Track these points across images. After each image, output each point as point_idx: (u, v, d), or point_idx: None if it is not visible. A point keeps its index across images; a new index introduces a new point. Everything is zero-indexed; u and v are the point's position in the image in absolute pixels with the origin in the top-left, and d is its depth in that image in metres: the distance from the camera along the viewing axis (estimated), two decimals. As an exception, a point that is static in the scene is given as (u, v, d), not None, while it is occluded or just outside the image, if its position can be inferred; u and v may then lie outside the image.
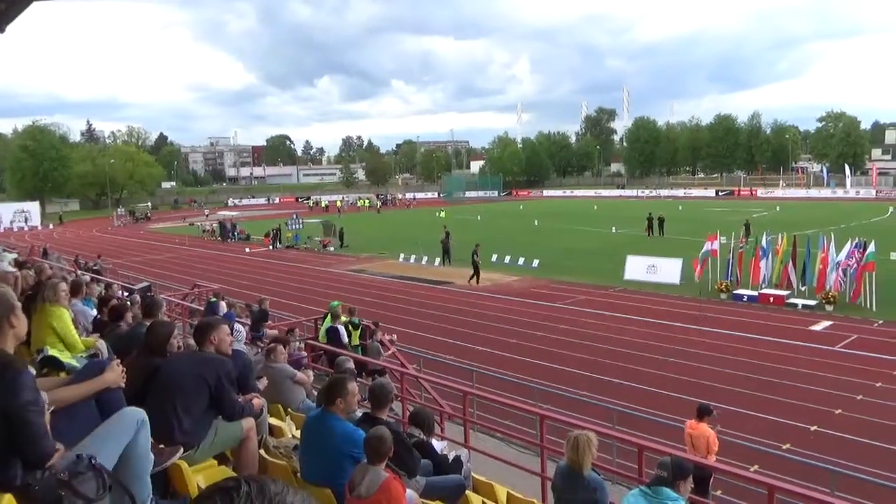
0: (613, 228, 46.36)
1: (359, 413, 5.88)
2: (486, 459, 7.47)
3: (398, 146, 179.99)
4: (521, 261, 31.23)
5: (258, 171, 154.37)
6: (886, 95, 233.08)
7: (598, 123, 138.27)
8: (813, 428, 11.78)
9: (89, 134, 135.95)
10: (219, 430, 4.59)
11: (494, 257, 32.35)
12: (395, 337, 14.33)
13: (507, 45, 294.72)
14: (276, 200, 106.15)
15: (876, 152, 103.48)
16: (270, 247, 43.97)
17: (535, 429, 8.47)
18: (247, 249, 43.50)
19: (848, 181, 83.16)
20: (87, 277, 13.50)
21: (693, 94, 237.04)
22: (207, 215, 70.60)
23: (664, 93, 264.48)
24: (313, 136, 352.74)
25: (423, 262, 33.25)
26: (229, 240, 49.80)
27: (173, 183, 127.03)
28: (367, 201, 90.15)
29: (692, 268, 24.58)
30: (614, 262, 29.08)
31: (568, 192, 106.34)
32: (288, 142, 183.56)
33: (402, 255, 35.11)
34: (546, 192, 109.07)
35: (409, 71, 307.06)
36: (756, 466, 9.53)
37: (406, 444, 5.09)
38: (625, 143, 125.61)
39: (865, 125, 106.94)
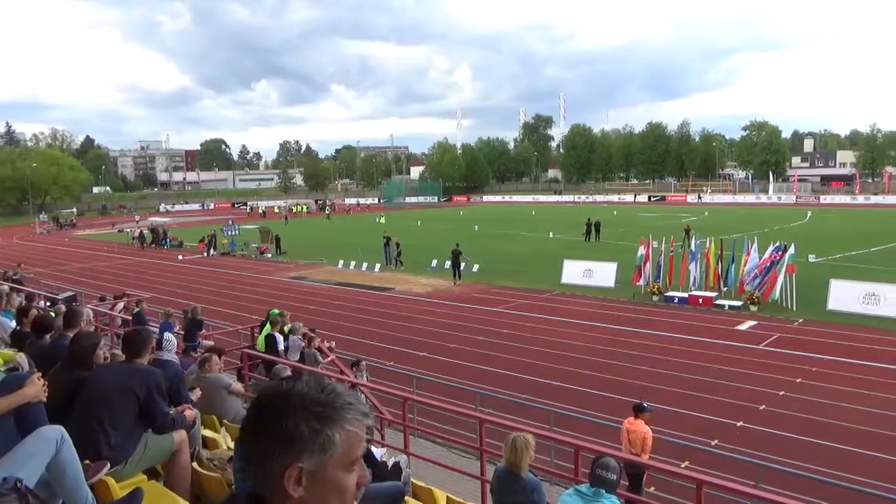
0: (551, 233, 47.23)
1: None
2: (426, 465, 7.49)
3: (338, 151, 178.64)
4: (461, 266, 31.39)
5: (192, 175, 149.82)
6: (805, 106, 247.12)
7: (536, 130, 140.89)
8: (739, 423, 12.28)
9: (8, 136, 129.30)
10: (149, 443, 4.45)
11: (434, 262, 32.48)
12: (333, 344, 14.14)
13: (448, 52, 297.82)
14: (212, 206, 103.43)
15: (796, 160, 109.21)
16: (205, 254, 42.75)
17: (474, 432, 8.53)
18: (180, 257, 42.17)
19: (771, 187, 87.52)
20: (6, 287, 12.80)
21: (627, 102, 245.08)
22: (138, 221, 68.22)
23: (599, 101, 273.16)
24: (250, 140, 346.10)
25: (364, 268, 33.01)
26: (163, 246, 48.22)
27: (107, 188, 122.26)
28: (304, 207, 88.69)
29: (630, 274, 25.30)
30: (552, 266, 29.62)
31: (507, 198, 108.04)
32: (223, 146, 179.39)
33: (341, 262, 34.76)
34: (485, 198, 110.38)
35: (349, 75, 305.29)
36: (687, 462, 9.86)
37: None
38: (561, 150, 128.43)
39: (786, 134, 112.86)
